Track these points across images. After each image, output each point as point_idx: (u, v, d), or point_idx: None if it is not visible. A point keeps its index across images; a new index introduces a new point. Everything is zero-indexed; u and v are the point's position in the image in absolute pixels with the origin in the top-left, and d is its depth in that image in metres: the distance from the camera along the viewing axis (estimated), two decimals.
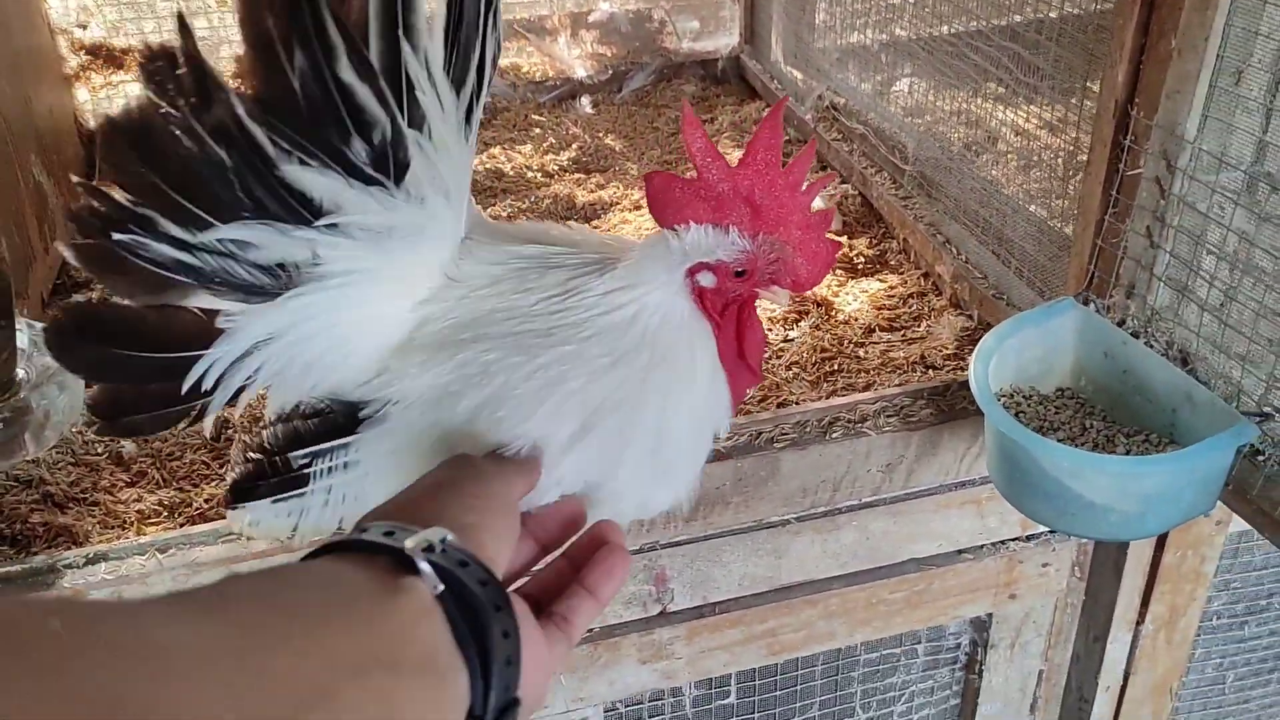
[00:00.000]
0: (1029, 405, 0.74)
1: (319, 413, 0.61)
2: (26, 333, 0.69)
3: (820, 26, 1.40)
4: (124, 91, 1.37)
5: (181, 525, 0.81)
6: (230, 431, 0.89)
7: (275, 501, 0.62)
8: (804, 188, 0.63)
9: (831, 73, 1.33)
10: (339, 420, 0.61)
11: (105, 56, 1.35)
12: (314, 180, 0.53)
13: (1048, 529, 0.88)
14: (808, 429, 0.80)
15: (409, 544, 0.41)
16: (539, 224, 0.69)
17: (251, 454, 0.63)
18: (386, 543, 0.42)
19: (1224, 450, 0.64)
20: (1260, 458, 0.67)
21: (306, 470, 0.61)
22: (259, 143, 0.51)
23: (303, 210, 0.54)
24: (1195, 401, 0.68)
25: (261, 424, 0.64)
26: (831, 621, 0.88)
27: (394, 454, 0.60)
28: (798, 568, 0.85)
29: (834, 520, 0.84)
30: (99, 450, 0.88)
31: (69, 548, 0.75)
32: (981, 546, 0.89)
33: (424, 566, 0.41)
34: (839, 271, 1.10)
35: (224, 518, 0.79)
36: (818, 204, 0.70)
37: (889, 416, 0.81)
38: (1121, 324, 0.75)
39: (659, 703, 0.90)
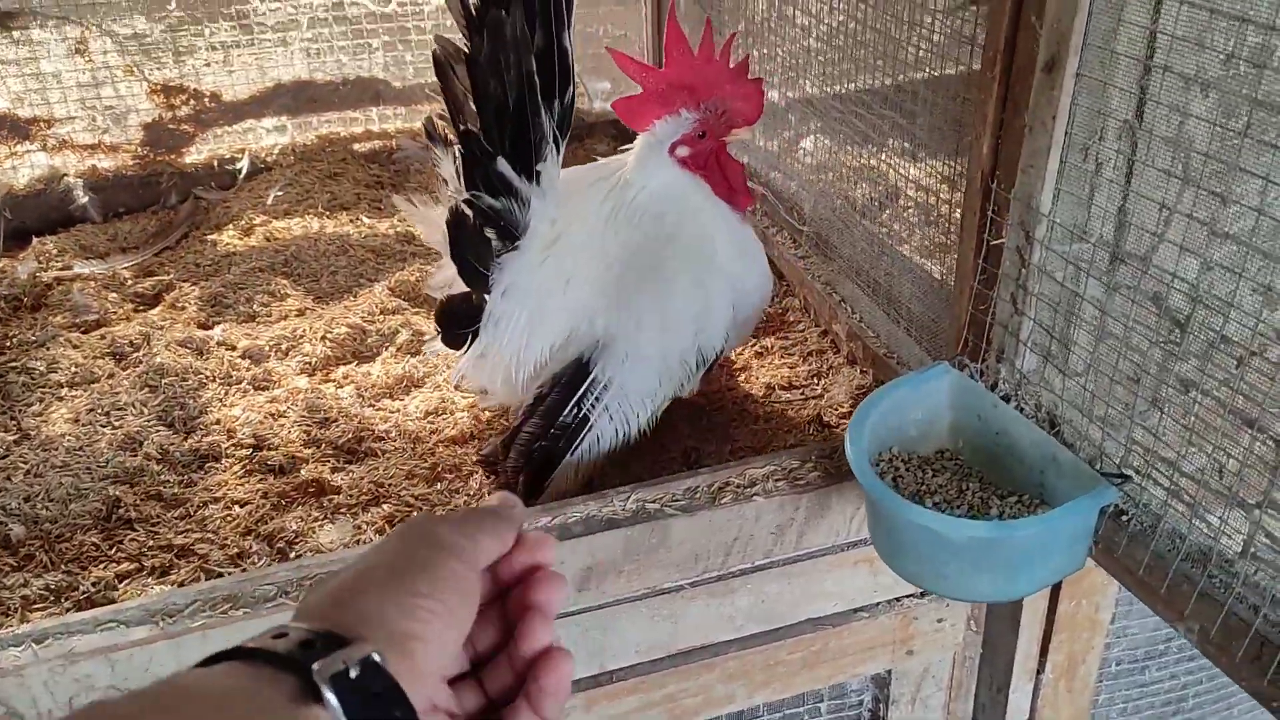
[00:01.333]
0: (908, 470, 0.75)
1: (561, 385, 0.88)
2: None
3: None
4: (30, 161, 1.36)
5: (67, 610, 0.79)
6: (121, 510, 0.88)
7: (573, 454, 0.88)
8: (717, 55, 0.90)
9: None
10: (576, 375, 0.88)
11: (10, 127, 1.34)
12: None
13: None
14: (697, 495, 0.81)
15: (316, 668, 0.37)
16: (577, 168, 0.98)
17: (534, 451, 0.87)
18: (297, 657, 0.37)
19: (1086, 512, 0.66)
20: (1124, 517, 0.69)
21: (576, 426, 0.87)
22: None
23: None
24: (1060, 464, 0.70)
25: (511, 438, 0.89)
26: (731, 685, 0.89)
27: (626, 357, 0.88)
28: (694, 632, 0.86)
29: (728, 584, 0.85)
30: None
31: None
32: (876, 604, 0.90)
33: (330, 699, 0.36)
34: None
35: (111, 601, 0.78)
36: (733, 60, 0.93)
37: (778, 480, 0.82)
38: (994, 387, 0.77)
39: None
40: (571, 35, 0.82)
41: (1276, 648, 0.58)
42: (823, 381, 1.05)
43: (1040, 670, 1.03)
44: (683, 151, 0.93)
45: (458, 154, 0.81)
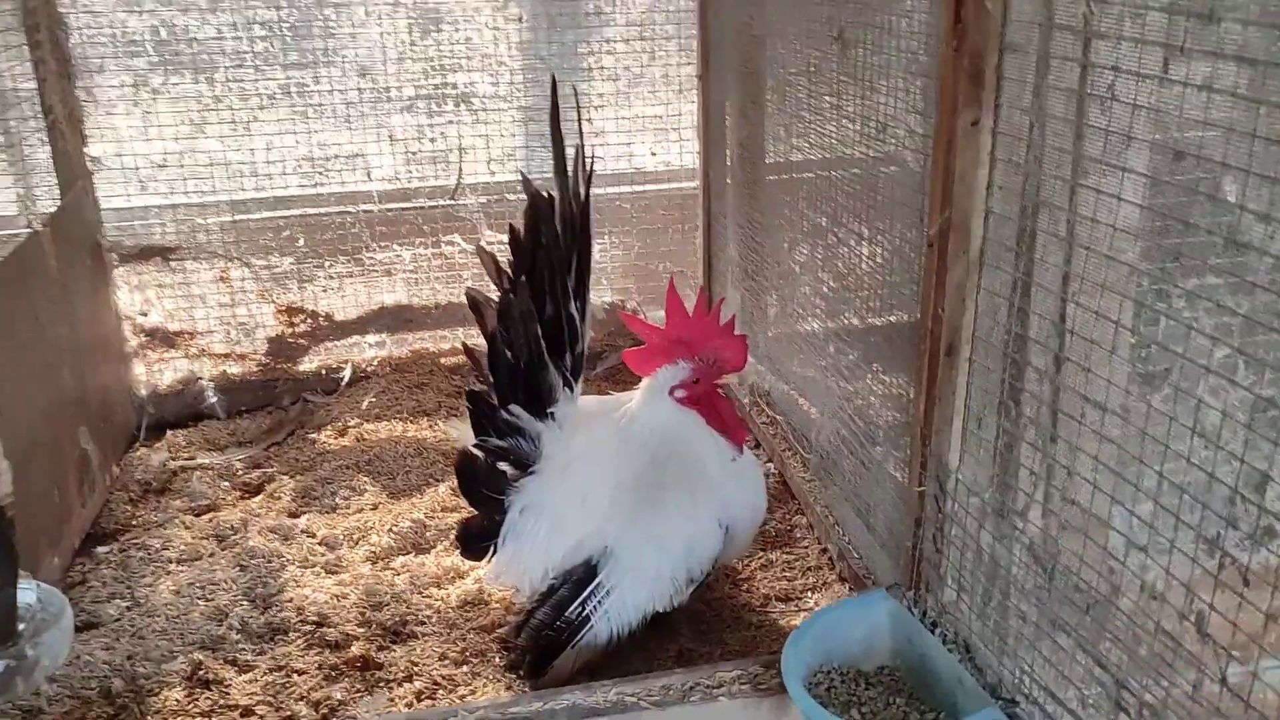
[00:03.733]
0: (843, 683, 0.87)
1: (570, 584, 1.03)
2: (33, 590, 0.88)
3: (773, 317, 1.61)
4: (174, 365, 1.64)
5: None
6: (202, 673, 1.06)
7: (573, 647, 1.02)
8: (708, 314, 1.10)
9: (779, 358, 1.53)
10: (582, 578, 1.03)
11: (161, 337, 1.63)
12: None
13: None
14: (670, 692, 0.94)
15: None
16: (592, 399, 1.17)
17: (541, 638, 1.03)
18: None
19: None
20: None
21: (578, 623, 1.02)
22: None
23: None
24: (965, 687, 0.81)
25: (524, 622, 1.05)
26: None
27: (627, 570, 1.04)
28: None
29: None
30: (92, 686, 1.05)
31: None
32: None
33: None
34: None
35: None
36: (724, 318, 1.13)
37: (743, 684, 0.95)
38: (924, 615, 0.89)
39: None
40: (582, 302, 1.02)
41: None
42: (815, 596, 1.18)
43: None
44: (680, 394, 1.11)
45: (467, 408, 1.02)
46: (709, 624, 1.14)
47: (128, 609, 1.17)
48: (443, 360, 1.71)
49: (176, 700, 1.03)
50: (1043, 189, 0.73)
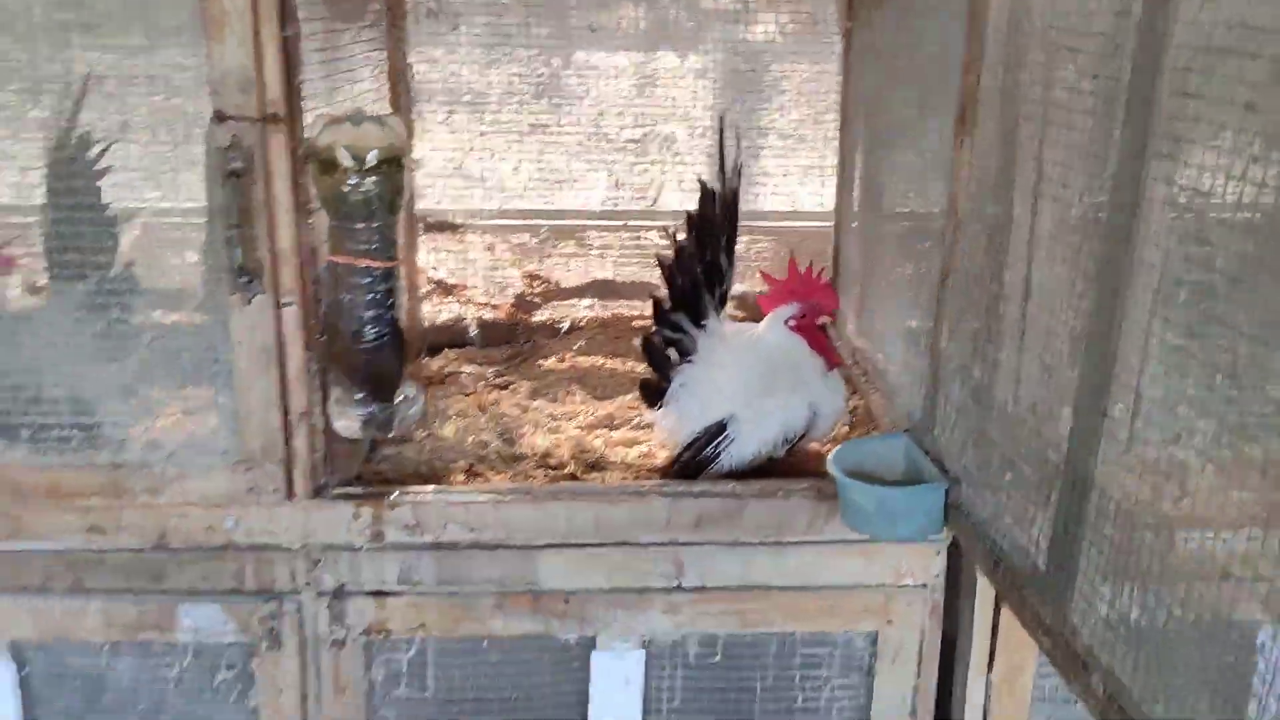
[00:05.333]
0: (865, 477, 1.43)
1: (708, 434, 1.61)
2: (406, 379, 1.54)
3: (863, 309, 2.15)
4: (449, 308, 2.34)
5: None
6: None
7: (704, 475, 1.60)
8: (814, 276, 1.69)
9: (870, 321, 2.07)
10: (716, 431, 1.60)
11: (442, 288, 2.34)
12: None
13: (910, 581, 1.53)
14: (762, 491, 1.51)
15: None
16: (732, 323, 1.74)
17: (686, 467, 1.62)
18: None
19: (930, 490, 1.31)
20: (960, 508, 1.33)
21: (712, 457, 1.60)
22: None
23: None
24: (932, 475, 1.36)
25: (676, 458, 1.66)
26: (777, 612, 1.54)
27: (744, 427, 1.62)
28: (758, 574, 1.53)
29: (780, 549, 1.52)
30: (408, 470, 1.71)
31: None
32: (869, 585, 1.53)
33: None
34: None
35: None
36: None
37: (807, 492, 1.51)
38: (921, 445, 1.44)
39: (677, 650, 1.57)
40: (732, 250, 1.62)
41: None
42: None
43: (989, 670, 1.58)
44: (791, 323, 1.69)
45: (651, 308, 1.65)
46: (790, 467, 1.70)
47: (426, 437, 1.83)
48: (634, 323, 2.34)
49: (460, 480, 1.68)
50: None
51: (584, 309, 2.36)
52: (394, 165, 1.38)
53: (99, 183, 1.45)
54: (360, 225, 1.38)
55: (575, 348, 2.24)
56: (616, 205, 2.41)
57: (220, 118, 1.31)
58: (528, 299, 2.34)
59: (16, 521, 1.46)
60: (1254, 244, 0.85)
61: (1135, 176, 1.00)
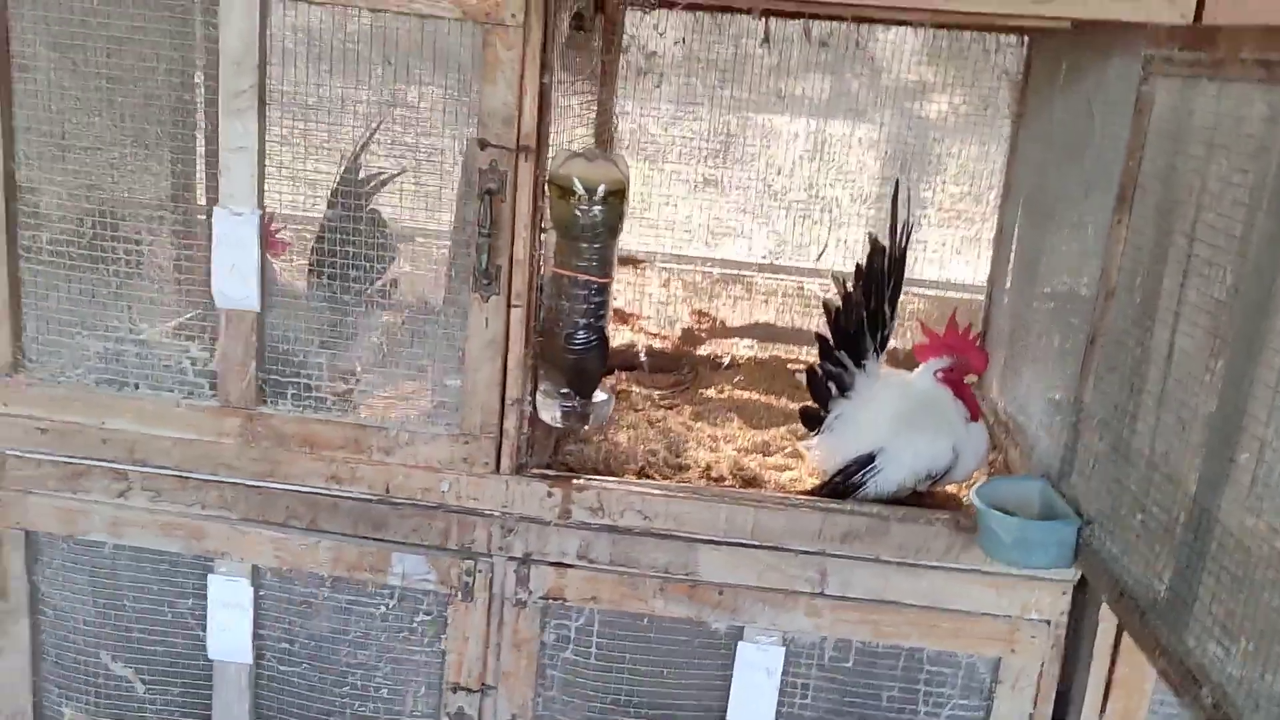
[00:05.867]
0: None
1: (857, 463, 1.77)
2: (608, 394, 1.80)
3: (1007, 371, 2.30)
4: (622, 334, 2.60)
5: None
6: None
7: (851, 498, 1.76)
8: (969, 336, 1.83)
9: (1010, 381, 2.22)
10: (865, 460, 1.78)
11: (620, 316, 2.60)
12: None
13: (1035, 615, 1.67)
14: (907, 516, 1.69)
15: None
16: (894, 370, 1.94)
17: (835, 491, 1.80)
18: None
19: (1066, 526, 1.47)
20: (1091, 546, 1.48)
21: (859, 484, 1.77)
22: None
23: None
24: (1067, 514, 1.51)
25: (825, 483, 1.84)
26: (909, 627, 1.70)
27: (892, 460, 1.79)
28: (895, 591, 1.70)
29: (916, 570, 1.69)
30: (588, 463, 1.95)
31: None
32: (996, 615, 1.68)
33: None
34: None
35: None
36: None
37: (946, 522, 1.67)
38: (1057, 489, 1.59)
39: (814, 650, 1.75)
40: (895, 302, 1.82)
41: None
42: None
43: (1102, 711, 1.70)
44: (940, 375, 1.85)
45: (817, 344, 1.85)
46: (934, 501, 1.86)
47: (602, 440, 2.07)
48: (789, 365, 2.55)
49: (634, 478, 1.91)
50: None
51: (744, 347, 2.58)
52: (618, 197, 1.64)
53: (375, 207, 1.76)
54: (584, 245, 1.64)
55: (734, 381, 2.46)
56: (777, 259, 2.64)
57: (483, 145, 1.60)
58: (694, 333, 2.58)
59: (275, 464, 1.76)
60: None
61: (1273, 258, 1.16)
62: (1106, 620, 1.64)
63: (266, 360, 1.74)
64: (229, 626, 1.80)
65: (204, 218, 1.72)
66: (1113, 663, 1.67)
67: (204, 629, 1.83)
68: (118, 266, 1.75)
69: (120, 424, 1.76)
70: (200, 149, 1.99)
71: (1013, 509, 1.62)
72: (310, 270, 1.82)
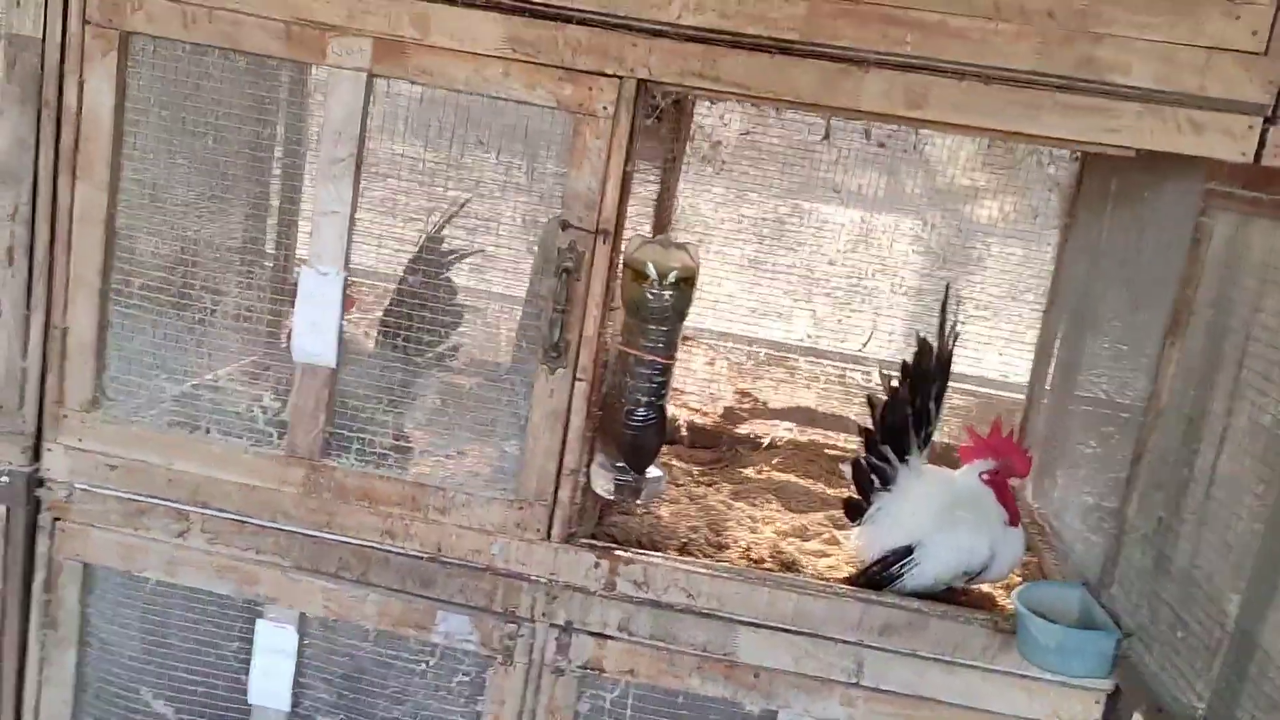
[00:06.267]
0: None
1: (895, 555, 1.79)
2: (659, 470, 1.85)
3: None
4: None
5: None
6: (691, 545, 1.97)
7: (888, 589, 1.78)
8: (1013, 440, 1.87)
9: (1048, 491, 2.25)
10: (904, 553, 1.80)
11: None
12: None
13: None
14: (944, 612, 1.72)
15: None
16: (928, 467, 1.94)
17: (871, 580, 1.81)
18: None
19: (1100, 638, 1.50)
20: (1129, 659, 1.51)
21: (896, 575, 1.78)
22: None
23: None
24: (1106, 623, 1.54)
25: (863, 571, 1.87)
26: None
27: (930, 554, 1.80)
28: (929, 687, 1.73)
29: (952, 668, 1.72)
30: (632, 539, 1.99)
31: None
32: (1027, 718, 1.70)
33: None
34: None
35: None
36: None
37: (984, 622, 1.71)
38: (1096, 598, 1.63)
39: None
40: (940, 401, 1.87)
41: None
42: None
43: None
44: (985, 477, 1.88)
45: (860, 438, 1.90)
46: (967, 605, 1.89)
47: (646, 513, 2.12)
48: (827, 450, 2.60)
49: (675, 554, 1.95)
50: None
51: (784, 430, 2.64)
52: (688, 284, 1.71)
53: (447, 276, 1.85)
54: (652, 327, 1.71)
55: (773, 462, 2.51)
56: (817, 343, 2.70)
57: (564, 225, 1.67)
58: (736, 412, 2.63)
59: (331, 516, 1.81)
60: None
61: None
62: None
63: (335, 414, 1.80)
64: (272, 672, 1.84)
65: (269, 265, 1.79)
66: None
67: (246, 673, 1.87)
68: (201, 314, 1.83)
69: (187, 466, 1.82)
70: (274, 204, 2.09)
71: (1051, 614, 1.65)
72: (384, 331, 1.89)
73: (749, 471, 2.47)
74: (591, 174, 1.66)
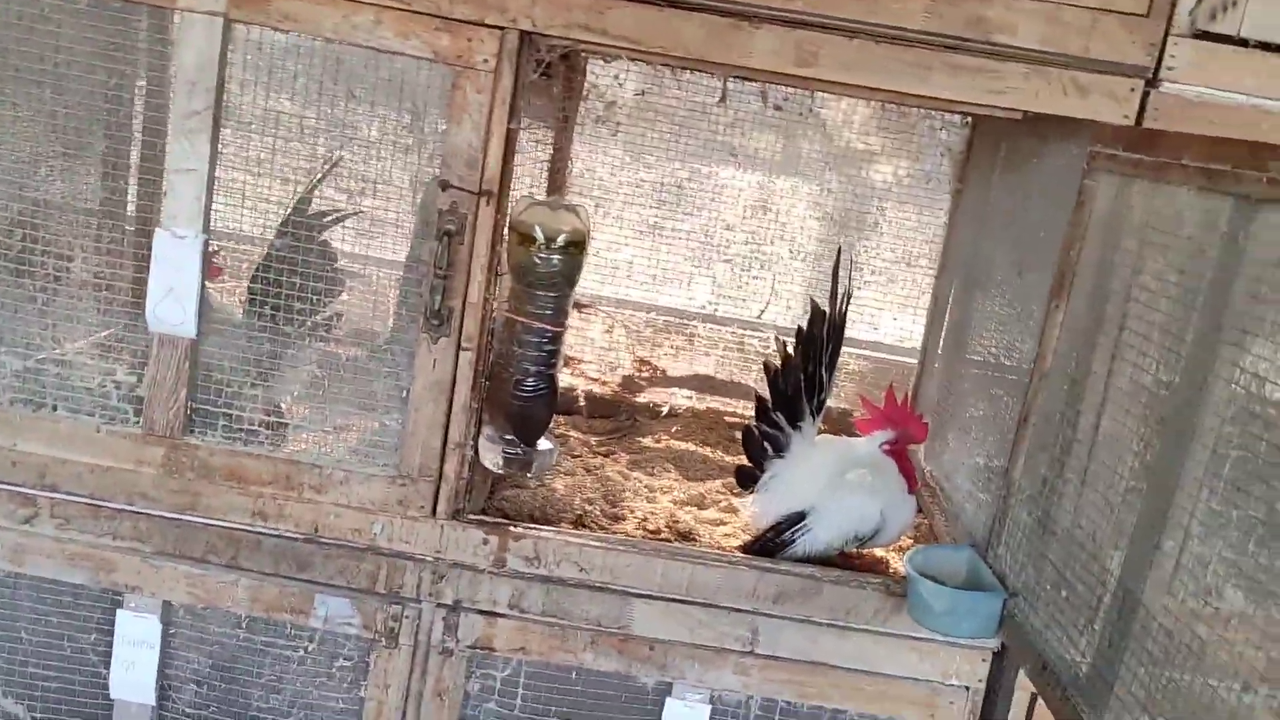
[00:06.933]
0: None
1: (789, 521, 1.77)
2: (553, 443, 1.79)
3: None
4: (563, 377, 2.59)
5: None
6: (584, 516, 1.92)
7: (779, 556, 1.77)
8: (908, 408, 1.85)
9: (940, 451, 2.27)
10: (797, 519, 1.77)
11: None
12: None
13: (955, 681, 1.70)
14: (840, 579, 1.71)
15: None
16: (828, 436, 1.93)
17: (764, 547, 1.80)
18: None
19: (992, 597, 1.50)
20: (1014, 618, 1.51)
21: (790, 541, 1.75)
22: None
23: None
24: (994, 585, 1.55)
25: (756, 539, 1.84)
26: (834, 689, 1.72)
27: (822, 520, 1.78)
28: (822, 652, 1.72)
29: (844, 632, 1.71)
30: (523, 512, 1.93)
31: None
32: (919, 680, 1.71)
33: None
34: None
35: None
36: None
37: (876, 585, 1.70)
38: (984, 559, 1.63)
39: (740, 709, 1.75)
40: (833, 366, 1.85)
41: None
42: None
43: None
44: (885, 447, 1.88)
45: (755, 404, 1.87)
46: (858, 569, 1.89)
47: (539, 487, 2.05)
48: (726, 417, 2.57)
49: (570, 527, 1.90)
50: None
51: (683, 398, 2.60)
52: (578, 247, 1.65)
53: (325, 240, 1.74)
54: (540, 292, 1.64)
55: (672, 431, 2.47)
56: (717, 310, 2.67)
57: (444, 186, 1.59)
58: (635, 381, 2.58)
59: (196, 498, 1.70)
60: None
61: (1206, 357, 1.22)
62: (1022, 688, 1.69)
63: (198, 389, 1.69)
64: (134, 665, 1.73)
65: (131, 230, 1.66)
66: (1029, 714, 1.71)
67: (107, 666, 1.75)
68: (45, 282, 1.68)
69: (32, 446, 1.69)
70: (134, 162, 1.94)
71: (941, 576, 1.65)
72: (252, 299, 1.77)
73: (648, 441, 2.43)
74: (473, 131, 1.58)
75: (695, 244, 2.65)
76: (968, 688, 1.72)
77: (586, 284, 2.59)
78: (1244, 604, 1.08)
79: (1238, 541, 1.11)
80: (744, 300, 2.68)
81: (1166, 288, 1.32)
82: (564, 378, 2.58)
